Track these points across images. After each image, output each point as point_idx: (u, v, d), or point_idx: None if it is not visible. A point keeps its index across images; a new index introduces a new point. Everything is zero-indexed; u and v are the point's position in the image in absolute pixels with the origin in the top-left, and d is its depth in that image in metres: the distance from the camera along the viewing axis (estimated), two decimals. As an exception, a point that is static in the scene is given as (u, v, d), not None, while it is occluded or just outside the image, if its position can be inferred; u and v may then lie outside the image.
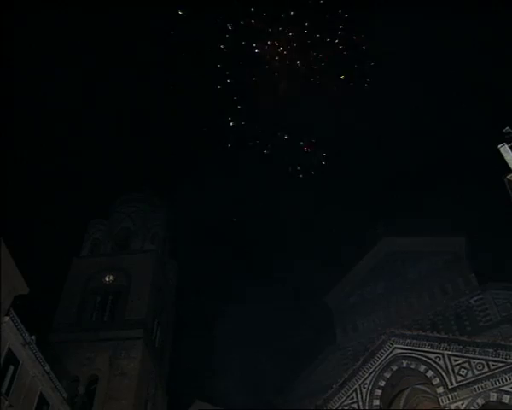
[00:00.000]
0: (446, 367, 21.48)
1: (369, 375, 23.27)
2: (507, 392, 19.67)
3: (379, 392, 22.68)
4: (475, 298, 34.71)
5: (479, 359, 20.92)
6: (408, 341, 23.11)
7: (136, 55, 65.67)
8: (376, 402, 22.46)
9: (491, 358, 20.62)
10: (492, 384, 20.11)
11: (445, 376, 21.29)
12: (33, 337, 22.74)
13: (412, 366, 22.49)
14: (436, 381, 21.40)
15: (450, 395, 20.77)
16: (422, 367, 22.10)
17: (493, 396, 19.91)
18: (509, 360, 20.15)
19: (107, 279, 36.98)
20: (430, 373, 21.74)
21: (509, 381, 19.84)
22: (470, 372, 20.84)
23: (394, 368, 22.91)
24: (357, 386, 23.38)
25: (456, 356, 21.53)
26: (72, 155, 76.97)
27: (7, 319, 20.89)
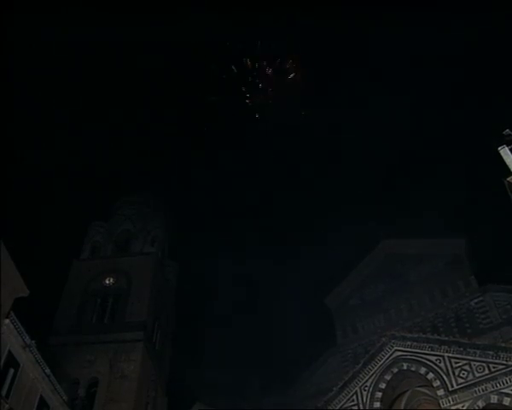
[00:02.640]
0: (447, 369, 21.47)
1: (370, 377, 23.26)
2: (507, 394, 19.67)
3: (379, 394, 22.67)
4: (475, 300, 34.67)
5: (479, 361, 20.91)
6: (408, 343, 23.11)
7: (137, 57, 65.79)
8: (377, 405, 22.45)
9: (491, 360, 20.62)
10: (493, 387, 20.11)
11: (445, 378, 21.28)
12: (34, 342, 22.70)
13: (413, 369, 22.47)
14: (437, 383, 21.39)
15: (450, 398, 20.77)
16: (423, 369, 22.09)
17: (494, 399, 19.91)
18: (510, 363, 20.15)
19: (107, 282, 36.95)
20: (431, 375, 21.73)
21: (509, 383, 19.83)
22: (471, 375, 20.84)
23: (395, 370, 22.91)
24: (357, 388, 23.37)
25: (457, 358, 21.52)
26: (72, 156, 76.94)
27: (7, 321, 20.84)
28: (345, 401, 23.40)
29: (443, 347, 22.13)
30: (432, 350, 22.30)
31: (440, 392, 21.14)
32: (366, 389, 23.09)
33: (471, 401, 20.26)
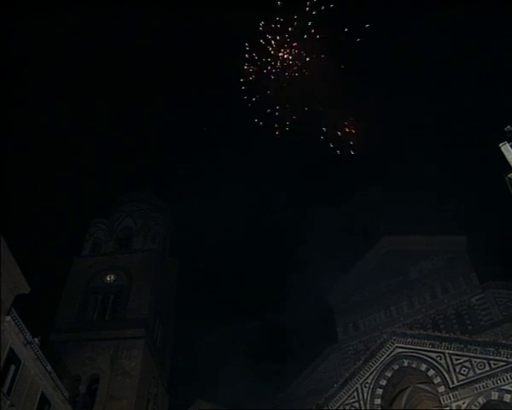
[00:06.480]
0: (447, 366, 21.44)
1: (371, 374, 23.23)
2: (508, 391, 19.62)
3: (380, 391, 22.65)
4: (476, 297, 34.65)
5: (480, 358, 20.87)
6: (409, 340, 23.07)
7: (138, 55, 65.74)
8: (378, 401, 22.42)
9: (492, 357, 20.58)
10: (494, 383, 20.07)
11: (446, 375, 21.25)
12: (36, 339, 22.73)
13: (413, 365, 22.45)
14: (437, 380, 21.37)
15: (451, 394, 20.73)
16: (424, 366, 22.07)
17: (494, 395, 19.87)
18: (511, 359, 20.10)
19: (108, 278, 37.00)
20: (431, 372, 21.71)
21: (510, 380, 19.78)
22: (471, 371, 20.81)
23: (395, 367, 22.88)
24: (358, 385, 23.34)
25: (458, 355, 21.49)
26: (73, 154, 77.04)
27: (8, 318, 20.88)
28: (345, 397, 23.38)
29: (444, 343, 22.10)
30: (432, 347, 22.27)
31: (441, 389, 21.11)
32: (367, 385, 23.07)
33: (472, 398, 20.23)
